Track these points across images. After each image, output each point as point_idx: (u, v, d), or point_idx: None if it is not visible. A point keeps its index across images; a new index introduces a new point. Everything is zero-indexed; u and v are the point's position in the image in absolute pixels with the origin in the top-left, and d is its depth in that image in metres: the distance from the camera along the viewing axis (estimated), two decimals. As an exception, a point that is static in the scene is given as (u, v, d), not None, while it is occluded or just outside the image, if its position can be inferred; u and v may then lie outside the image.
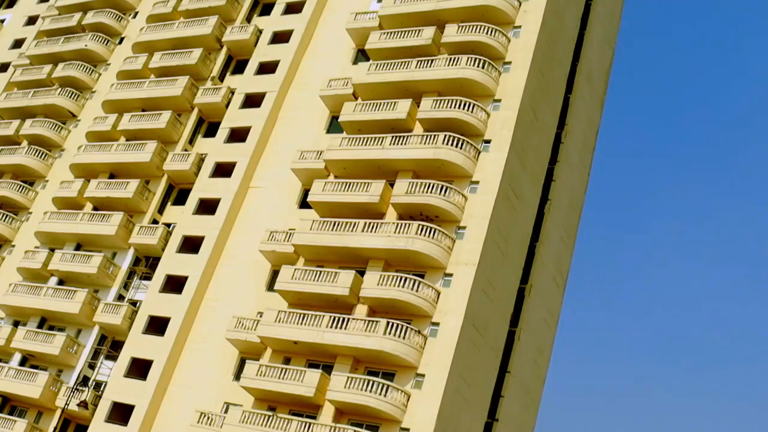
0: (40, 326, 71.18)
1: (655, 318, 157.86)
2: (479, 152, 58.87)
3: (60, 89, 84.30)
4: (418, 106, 61.17)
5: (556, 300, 69.15)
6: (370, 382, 51.47)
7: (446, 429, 51.45)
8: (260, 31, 77.90)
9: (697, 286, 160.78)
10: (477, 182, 58.12)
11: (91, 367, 67.88)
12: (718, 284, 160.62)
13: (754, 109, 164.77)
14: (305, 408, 54.76)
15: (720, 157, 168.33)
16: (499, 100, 60.78)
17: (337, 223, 58.23)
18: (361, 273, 56.69)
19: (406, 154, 58.87)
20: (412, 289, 53.66)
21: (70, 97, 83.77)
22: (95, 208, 74.43)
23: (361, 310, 55.46)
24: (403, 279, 53.98)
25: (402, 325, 52.47)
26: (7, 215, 79.34)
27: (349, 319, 54.17)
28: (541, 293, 64.57)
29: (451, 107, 59.54)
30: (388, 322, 52.54)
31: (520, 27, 63.77)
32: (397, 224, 56.04)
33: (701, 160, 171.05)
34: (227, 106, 74.70)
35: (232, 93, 75.25)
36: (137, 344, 65.43)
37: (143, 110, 77.80)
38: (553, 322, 68.25)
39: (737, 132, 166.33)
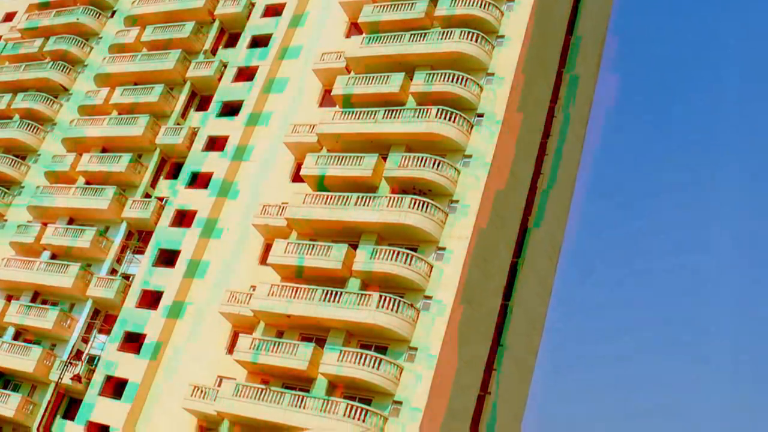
0: (33, 301, 71.19)
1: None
2: (472, 126, 58.73)
3: (52, 63, 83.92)
4: (412, 80, 60.95)
5: (549, 274, 69.20)
6: (363, 356, 51.58)
7: (438, 402, 51.58)
8: (252, 4, 77.62)
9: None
10: (470, 156, 58.00)
11: (85, 341, 67.86)
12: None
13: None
14: (298, 381, 54.87)
15: (718, 136, 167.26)
16: (492, 74, 60.60)
17: (330, 197, 58.15)
18: (354, 247, 56.70)
19: (399, 128, 58.73)
20: (405, 263, 53.67)
21: (62, 70, 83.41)
22: (88, 183, 74.24)
23: (354, 284, 55.48)
24: (396, 253, 53.97)
25: (395, 299, 52.53)
26: (-1, 189, 79.25)
27: (341, 293, 54.22)
28: (534, 267, 64.61)
29: (444, 81, 59.35)
30: (380, 296, 52.61)
31: (513, 0, 63.52)
32: (390, 198, 56.00)
33: (701, 134, 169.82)
34: (219, 79, 74.46)
35: (225, 66, 75.00)
36: (130, 318, 65.49)
37: (135, 84, 77.50)
38: (546, 296, 68.34)
39: (750, 105, 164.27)
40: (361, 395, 52.39)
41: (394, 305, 52.30)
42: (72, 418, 65.00)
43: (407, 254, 53.90)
